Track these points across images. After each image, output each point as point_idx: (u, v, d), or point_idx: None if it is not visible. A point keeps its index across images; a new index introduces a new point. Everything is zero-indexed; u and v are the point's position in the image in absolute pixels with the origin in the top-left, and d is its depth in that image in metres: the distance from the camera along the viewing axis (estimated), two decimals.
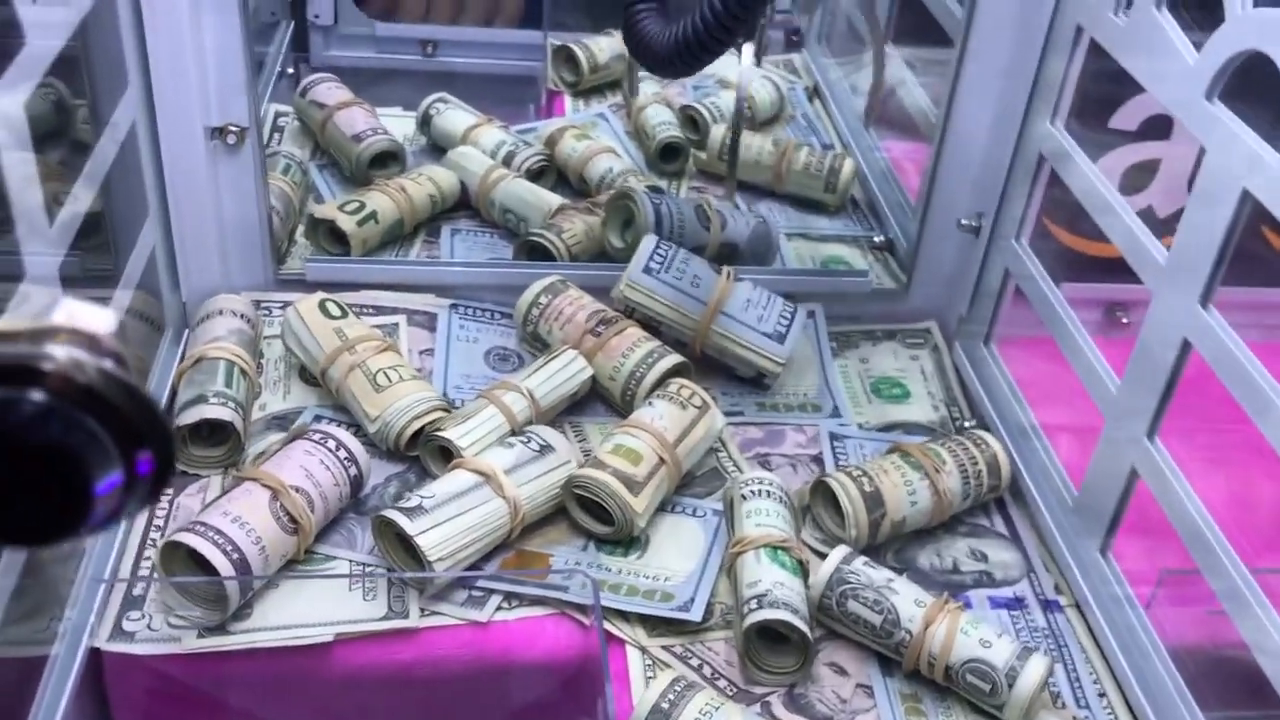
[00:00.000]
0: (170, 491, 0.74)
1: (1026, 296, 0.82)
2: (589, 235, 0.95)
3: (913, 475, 0.75)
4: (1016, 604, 0.74)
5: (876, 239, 1.03)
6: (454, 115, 1.09)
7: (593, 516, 0.74)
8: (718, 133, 1.10)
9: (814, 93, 1.26)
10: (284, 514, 0.68)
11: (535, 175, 1.04)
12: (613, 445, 0.75)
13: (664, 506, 0.76)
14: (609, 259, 0.94)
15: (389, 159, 1.04)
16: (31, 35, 0.60)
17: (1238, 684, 0.63)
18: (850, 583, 0.68)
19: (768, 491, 0.74)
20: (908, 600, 0.67)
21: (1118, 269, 0.71)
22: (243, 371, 0.79)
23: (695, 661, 0.68)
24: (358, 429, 0.78)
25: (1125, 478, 0.69)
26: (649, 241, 0.87)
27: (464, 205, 1.02)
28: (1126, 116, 0.92)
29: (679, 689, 0.62)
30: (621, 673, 0.66)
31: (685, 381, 0.80)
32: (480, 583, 0.70)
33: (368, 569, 0.70)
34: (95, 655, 0.64)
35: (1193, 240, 0.63)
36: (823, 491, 0.76)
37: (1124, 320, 0.93)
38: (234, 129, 0.82)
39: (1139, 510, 0.70)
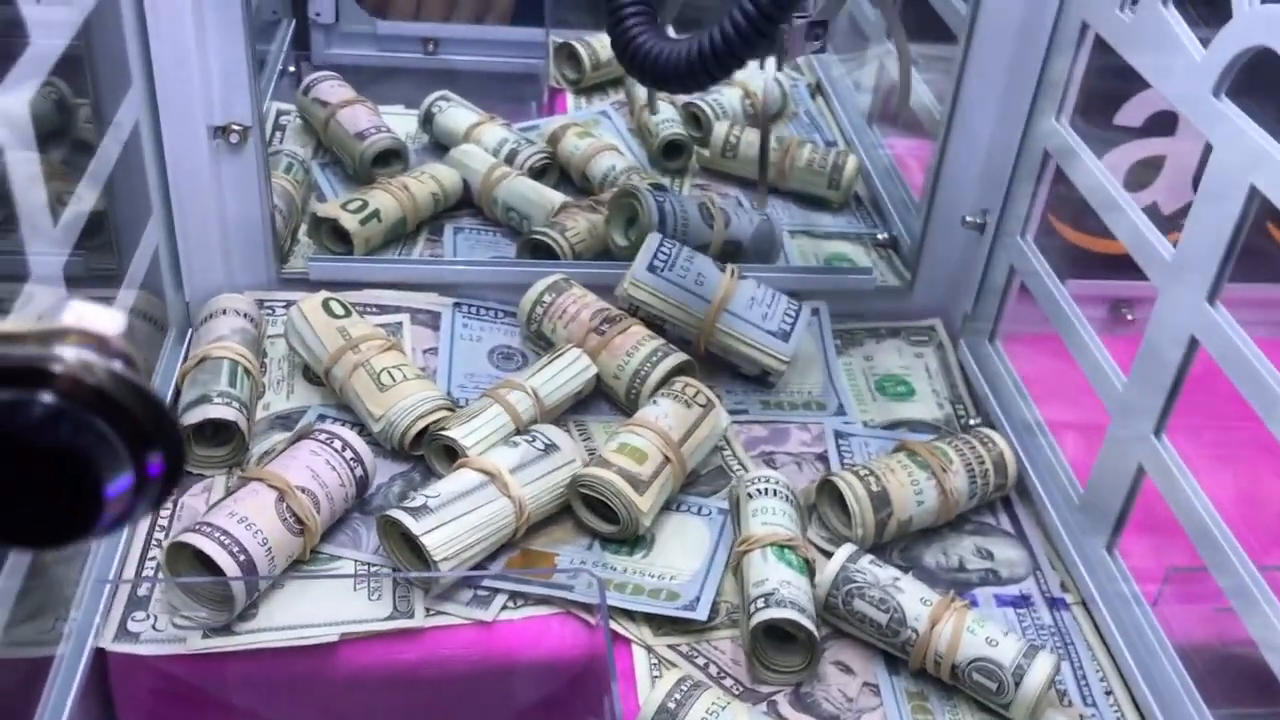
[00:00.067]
0: (174, 491, 0.74)
1: (1032, 293, 0.82)
2: (592, 233, 0.95)
3: (919, 475, 0.75)
4: (1023, 602, 0.74)
5: (880, 236, 1.03)
6: (456, 113, 1.09)
7: (598, 515, 0.74)
8: (721, 130, 1.09)
9: (816, 89, 1.26)
10: (290, 515, 0.68)
11: (538, 173, 1.04)
12: (617, 444, 0.75)
13: (669, 505, 0.76)
14: (612, 257, 0.94)
15: (392, 157, 1.03)
16: (35, 35, 0.60)
17: (1245, 681, 0.62)
18: (856, 581, 0.68)
19: (774, 490, 0.73)
20: (914, 599, 0.67)
21: (1123, 266, 0.71)
22: (246, 371, 0.79)
23: (701, 660, 0.68)
24: (362, 428, 0.78)
25: (1132, 475, 0.69)
26: (653, 240, 0.87)
27: (467, 203, 1.02)
28: (1131, 113, 0.92)
29: (685, 688, 0.62)
30: (627, 672, 0.66)
31: (690, 380, 0.80)
32: (485, 582, 0.70)
33: (373, 569, 0.70)
34: (100, 656, 0.64)
35: (1200, 237, 0.62)
36: (829, 490, 0.76)
37: (1129, 317, 0.93)
38: (237, 128, 0.82)
39: (1145, 508, 0.70)
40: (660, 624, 0.69)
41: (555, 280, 0.88)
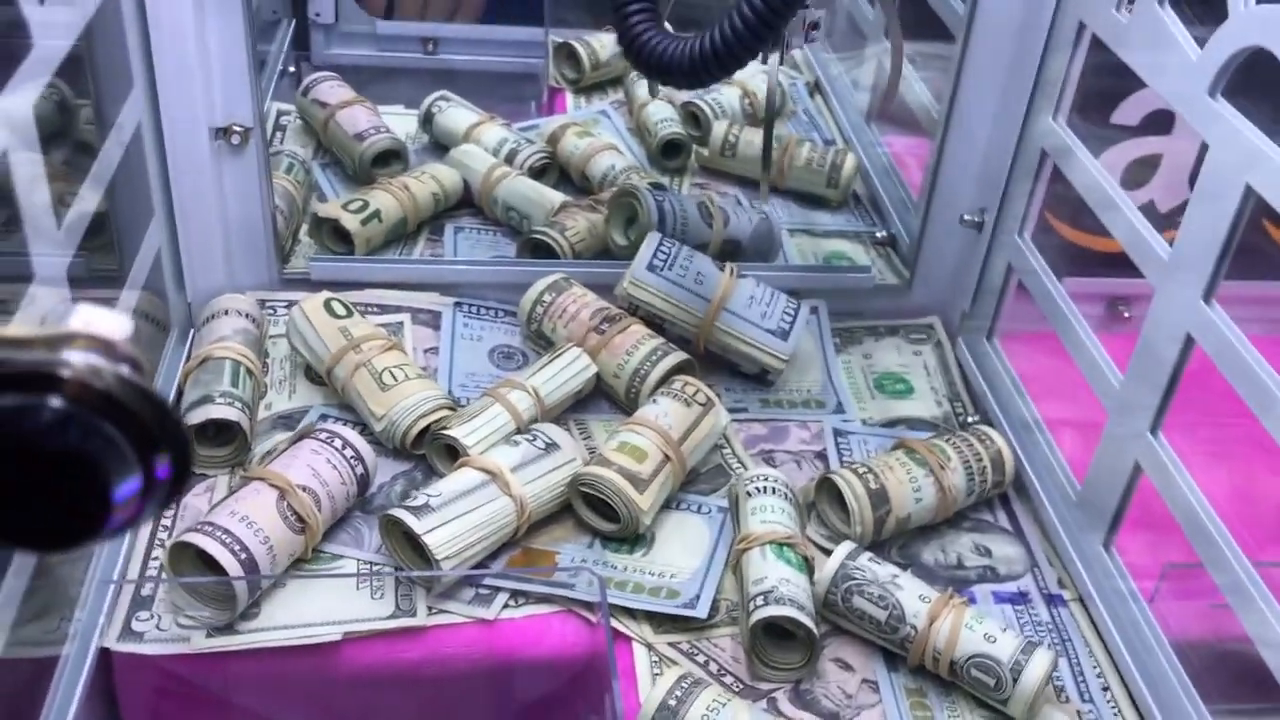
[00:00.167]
0: (181, 493, 0.74)
1: (1029, 292, 0.83)
2: (592, 233, 0.95)
3: (918, 472, 0.76)
4: (1020, 598, 0.74)
5: (879, 234, 1.03)
6: (456, 113, 1.09)
7: (598, 514, 0.74)
8: (720, 129, 1.10)
9: (815, 88, 1.26)
10: (291, 513, 0.68)
11: (537, 173, 1.04)
12: (618, 443, 0.75)
13: (669, 503, 0.77)
14: (612, 256, 0.95)
15: (392, 157, 1.04)
16: (39, 37, 0.60)
17: (1241, 677, 0.63)
18: (855, 579, 0.68)
19: (773, 488, 0.74)
20: (912, 596, 0.67)
21: (1120, 264, 0.72)
22: (248, 371, 0.79)
23: (701, 658, 0.68)
24: (363, 428, 0.78)
25: (1128, 472, 0.69)
26: (652, 239, 0.87)
27: (467, 203, 1.02)
28: (1128, 112, 0.92)
29: (686, 685, 0.63)
30: (628, 670, 0.67)
31: (689, 379, 0.80)
32: (487, 581, 0.70)
33: (375, 568, 0.71)
34: (105, 655, 0.65)
35: (1195, 236, 0.63)
36: (828, 488, 0.76)
37: (1126, 315, 0.94)
38: (238, 129, 0.82)
39: (1142, 504, 0.70)
40: (661, 622, 0.70)
41: (555, 280, 0.88)
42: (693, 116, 1.14)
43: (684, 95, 1.15)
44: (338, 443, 0.72)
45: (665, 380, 0.81)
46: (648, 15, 0.72)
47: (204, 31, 0.78)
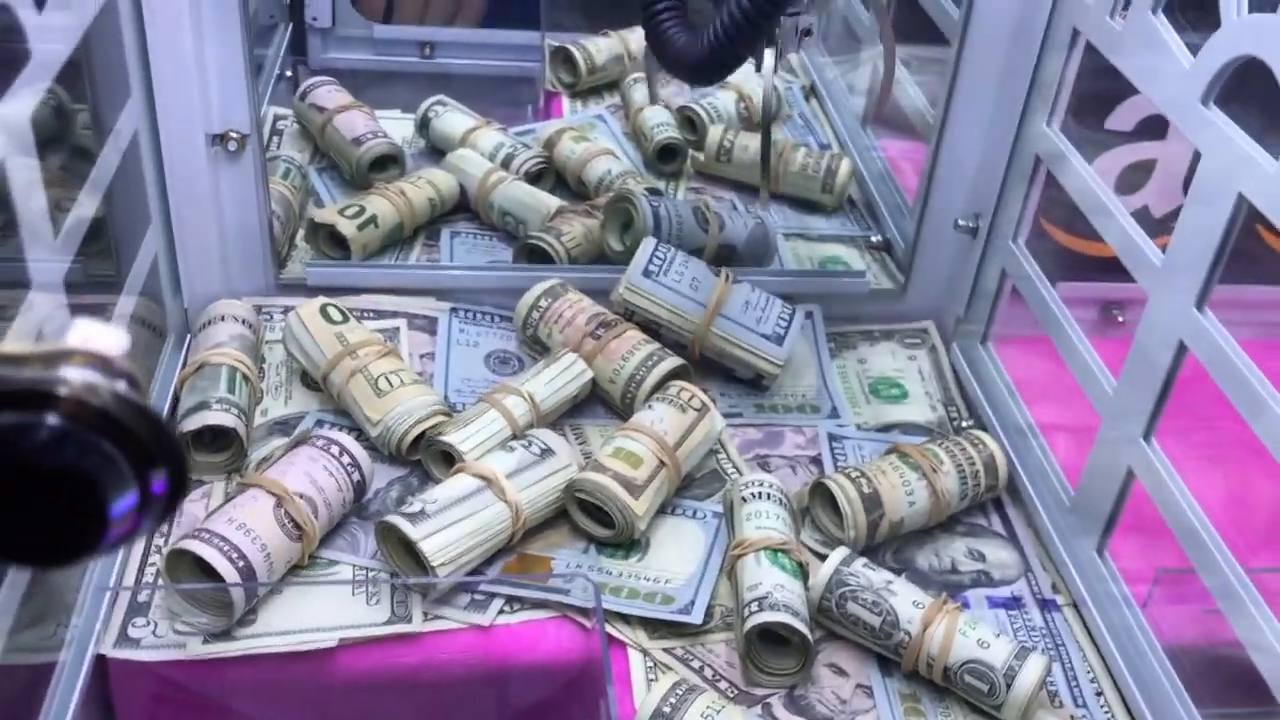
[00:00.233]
0: (178, 508, 0.74)
1: (1023, 297, 0.83)
2: (588, 238, 0.96)
3: (910, 476, 0.76)
4: (1014, 603, 0.74)
5: (874, 239, 1.03)
6: (453, 118, 1.10)
7: (594, 520, 0.75)
8: (715, 134, 1.10)
9: (810, 92, 1.26)
10: (288, 520, 0.68)
11: (534, 178, 1.05)
12: (613, 449, 0.75)
13: (664, 509, 0.77)
14: (608, 261, 0.95)
15: (389, 162, 1.04)
16: (35, 42, 0.60)
17: (1233, 682, 0.63)
18: (849, 584, 0.69)
19: (767, 494, 0.74)
20: (906, 601, 0.68)
21: (1115, 269, 0.72)
22: (245, 377, 0.80)
23: (696, 664, 0.68)
24: (360, 433, 0.79)
25: (1122, 478, 0.69)
26: (648, 244, 0.88)
27: (463, 208, 1.02)
28: (1122, 117, 0.93)
29: (680, 692, 0.63)
30: (623, 675, 0.67)
31: (685, 384, 0.81)
32: (482, 587, 0.70)
33: (371, 574, 0.71)
34: (101, 662, 0.65)
35: (1188, 243, 0.63)
36: (821, 493, 0.76)
37: (1120, 319, 0.94)
38: (235, 135, 0.82)
39: (1135, 509, 0.70)
40: (655, 627, 0.70)
41: (551, 285, 0.88)
42: (689, 121, 1.14)
43: (680, 100, 1.15)
44: (335, 449, 0.73)
45: (661, 386, 0.82)
46: (675, 10, 0.73)
47: (201, 38, 0.78)
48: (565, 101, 1.22)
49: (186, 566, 0.67)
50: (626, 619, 0.70)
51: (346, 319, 0.83)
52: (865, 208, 1.08)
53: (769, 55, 0.73)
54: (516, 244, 0.97)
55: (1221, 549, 0.61)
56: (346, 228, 0.93)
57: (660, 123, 1.11)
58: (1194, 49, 0.64)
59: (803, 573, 0.71)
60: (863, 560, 0.70)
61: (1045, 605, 0.74)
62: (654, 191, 1.02)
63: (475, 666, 0.68)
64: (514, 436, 0.77)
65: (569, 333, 0.86)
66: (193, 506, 0.74)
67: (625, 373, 0.83)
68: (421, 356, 0.88)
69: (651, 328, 0.87)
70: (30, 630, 0.63)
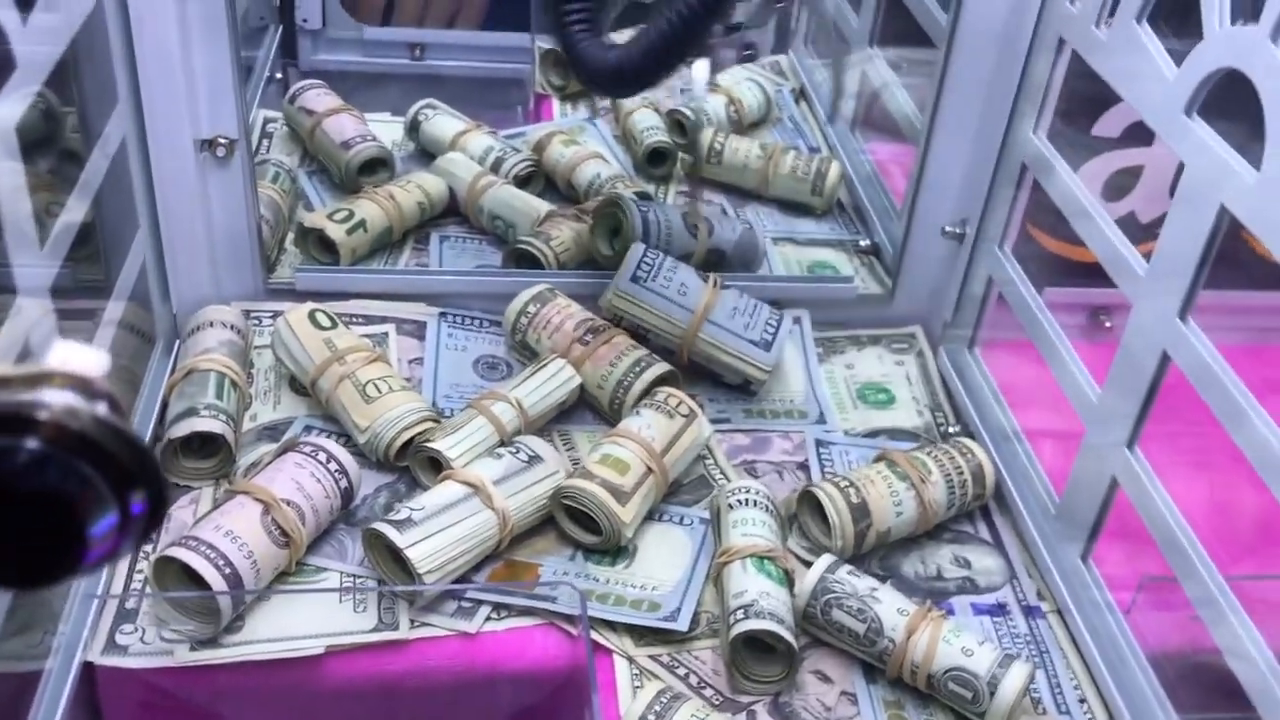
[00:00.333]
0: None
1: (1009, 303, 0.83)
2: (577, 242, 0.96)
3: (899, 485, 0.76)
4: (999, 610, 0.75)
5: (863, 243, 1.03)
6: (442, 121, 1.10)
7: (581, 526, 0.75)
8: (705, 137, 1.10)
9: (800, 95, 1.26)
10: (275, 527, 0.69)
11: (523, 181, 1.05)
12: (600, 455, 0.76)
13: (651, 515, 0.77)
14: (597, 266, 0.95)
15: (378, 165, 1.04)
16: (20, 46, 0.60)
17: (1215, 689, 0.64)
18: (834, 592, 0.69)
19: (754, 501, 0.74)
20: (891, 609, 0.68)
21: (1103, 274, 0.72)
22: (233, 383, 0.80)
23: (682, 671, 0.69)
24: (348, 439, 0.79)
25: (1106, 485, 0.70)
26: (636, 250, 0.88)
27: (453, 212, 1.02)
28: (1109, 123, 0.93)
29: (665, 700, 0.63)
30: (609, 683, 0.67)
31: (673, 390, 0.81)
32: (469, 594, 0.70)
33: (358, 581, 0.71)
34: (88, 669, 0.65)
35: (1171, 253, 0.63)
36: (809, 501, 0.77)
37: (1107, 324, 0.94)
38: (223, 141, 0.83)
39: (1120, 516, 0.71)
40: (642, 634, 0.70)
41: (540, 290, 0.88)
42: (678, 124, 1.14)
43: (670, 103, 1.15)
44: (322, 456, 0.73)
45: (649, 392, 0.82)
46: (586, 23, 0.72)
47: (189, 44, 0.78)
48: (555, 104, 1.22)
49: (174, 574, 0.67)
50: (613, 626, 0.70)
51: (335, 324, 0.83)
52: (854, 211, 1.09)
53: (702, 67, 0.73)
54: (506, 248, 0.97)
55: (1203, 557, 0.61)
56: (335, 232, 0.93)
57: (650, 126, 1.11)
58: (1178, 57, 0.64)
59: (789, 580, 0.71)
60: (848, 567, 0.71)
61: (1030, 612, 0.75)
62: (643, 196, 1.02)
63: (462, 673, 0.68)
64: (502, 443, 0.77)
65: (557, 338, 0.86)
66: (181, 513, 0.74)
67: (613, 378, 0.83)
68: (410, 362, 0.88)
69: (640, 333, 0.87)
70: (17, 638, 0.63)
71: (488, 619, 0.70)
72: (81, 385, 0.30)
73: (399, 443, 0.77)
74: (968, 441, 0.81)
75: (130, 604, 0.68)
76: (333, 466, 0.73)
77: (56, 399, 0.29)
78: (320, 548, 0.73)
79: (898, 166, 1.05)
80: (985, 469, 0.80)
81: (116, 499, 0.29)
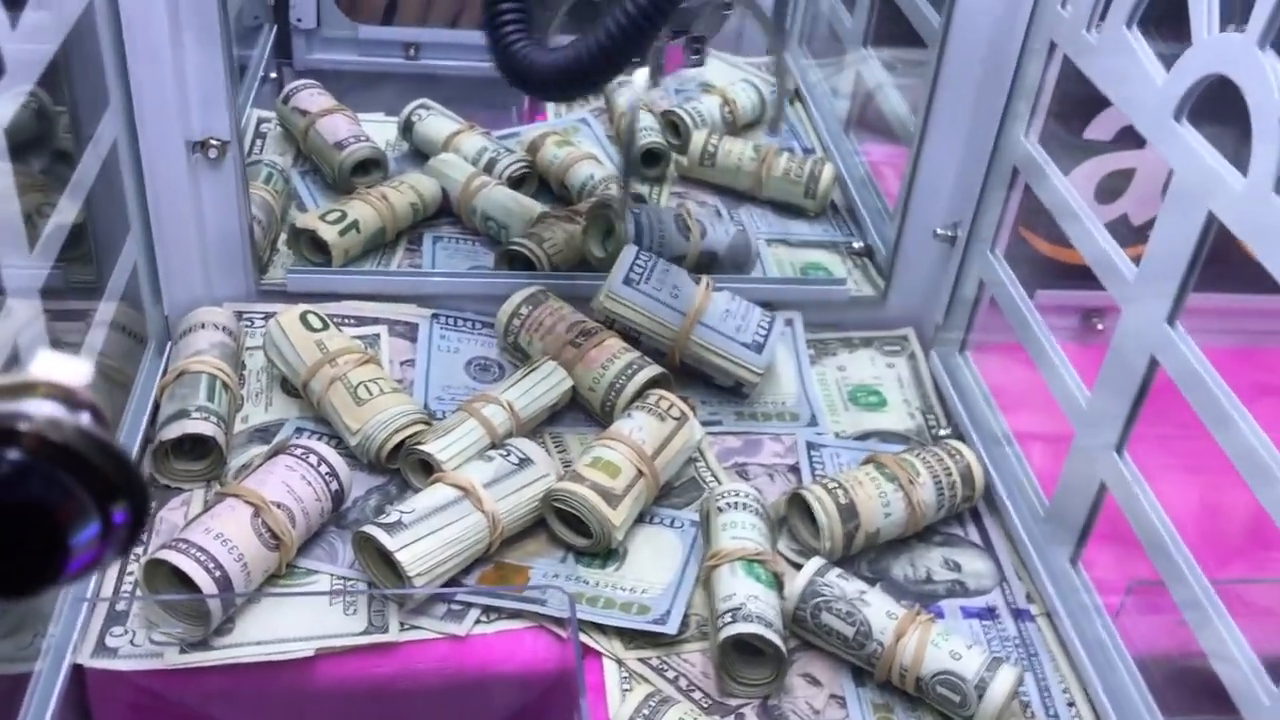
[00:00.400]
0: (154, 505, 0.75)
1: (1000, 306, 0.83)
2: (570, 244, 0.96)
3: (887, 487, 0.76)
4: (988, 614, 0.75)
5: (856, 245, 1.04)
6: (436, 121, 1.10)
7: (571, 529, 0.75)
8: (699, 138, 1.10)
9: (795, 95, 1.26)
10: (266, 530, 0.69)
11: (517, 182, 1.05)
12: (591, 458, 0.76)
13: (642, 517, 0.77)
14: (590, 267, 0.95)
15: (372, 165, 1.04)
16: (9, 45, 0.60)
17: (1202, 692, 0.64)
18: (824, 595, 0.69)
19: (744, 504, 0.75)
20: (880, 612, 0.68)
21: (1095, 278, 0.72)
22: (225, 385, 0.80)
23: (671, 673, 0.69)
24: (339, 441, 0.79)
25: (1095, 489, 0.70)
26: (629, 252, 0.88)
27: (446, 213, 1.03)
28: (1102, 126, 0.93)
29: (654, 703, 0.64)
30: (598, 685, 0.67)
31: (664, 393, 0.81)
32: (459, 596, 0.71)
33: (348, 583, 0.71)
34: (78, 671, 0.65)
35: (1160, 258, 0.64)
36: (798, 503, 0.77)
37: (1099, 327, 0.94)
38: (215, 143, 0.83)
39: (1110, 520, 0.71)
40: (631, 637, 0.70)
41: (532, 293, 0.89)
42: (672, 125, 1.14)
43: (665, 104, 1.15)
44: (313, 459, 0.73)
45: (640, 394, 0.82)
46: (521, 27, 0.71)
47: (180, 46, 0.78)
48: (549, 104, 1.22)
49: (164, 576, 0.67)
50: (603, 628, 0.70)
51: (327, 326, 0.83)
52: (848, 213, 1.09)
53: (642, 73, 0.72)
54: (498, 250, 0.97)
55: (1189, 562, 0.62)
56: (328, 233, 0.93)
57: (644, 127, 1.11)
58: (1168, 62, 0.65)
59: (778, 583, 0.71)
60: (837, 570, 0.71)
61: (1019, 615, 0.75)
62: (637, 198, 1.02)
63: (451, 676, 0.68)
64: (493, 445, 0.77)
65: (549, 340, 0.86)
66: (171, 515, 0.74)
67: (605, 381, 0.83)
68: (402, 363, 0.88)
69: (632, 336, 0.87)
70: (7, 640, 0.63)
71: (477, 622, 0.70)
72: (64, 396, 0.30)
73: (390, 445, 0.77)
74: (956, 444, 0.82)
75: (120, 606, 0.68)
76: (323, 469, 0.73)
77: (39, 410, 0.29)
78: (311, 550, 0.73)
79: (891, 168, 1.05)
80: (974, 471, 0.80)
81: (98, 509, 0.29)
